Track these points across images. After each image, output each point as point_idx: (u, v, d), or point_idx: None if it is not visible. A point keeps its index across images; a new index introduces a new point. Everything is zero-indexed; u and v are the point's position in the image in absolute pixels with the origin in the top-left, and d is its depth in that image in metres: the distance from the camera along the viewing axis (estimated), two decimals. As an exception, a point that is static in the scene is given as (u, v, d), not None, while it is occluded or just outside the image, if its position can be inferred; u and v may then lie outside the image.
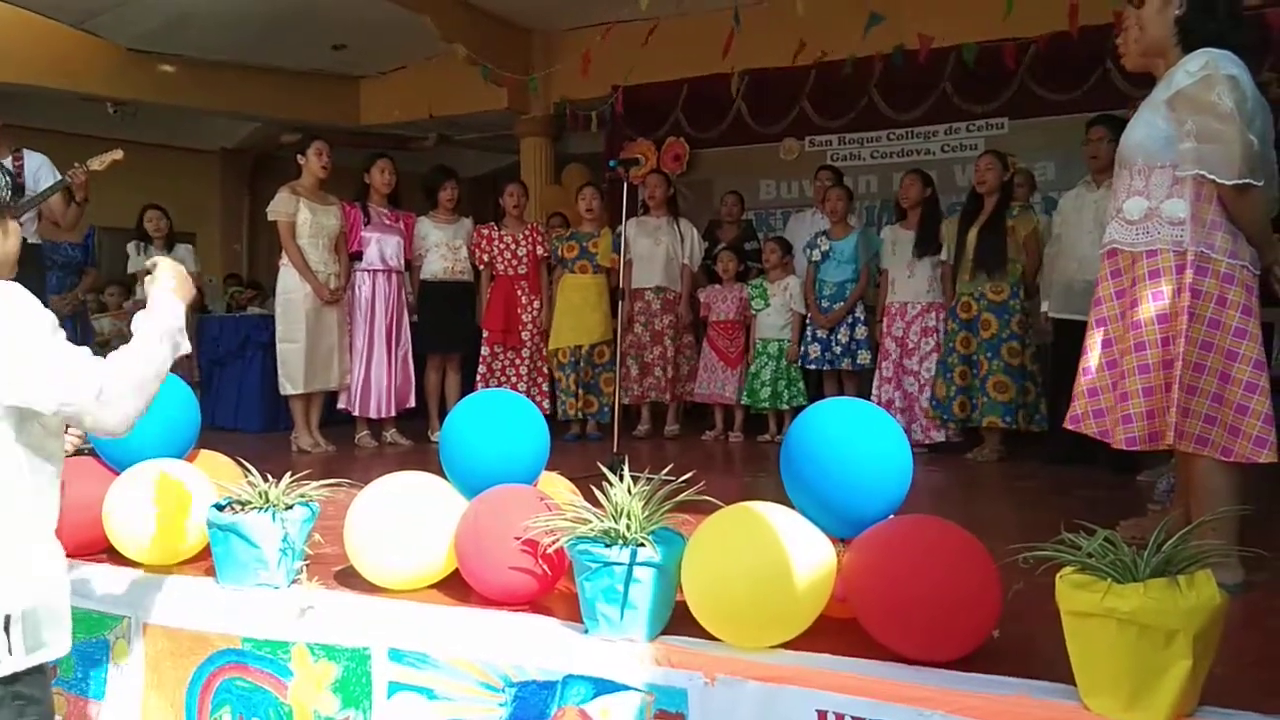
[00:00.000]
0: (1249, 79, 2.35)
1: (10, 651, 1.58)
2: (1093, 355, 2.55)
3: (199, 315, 7.08)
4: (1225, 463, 2.35)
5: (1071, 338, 4.12)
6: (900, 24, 6.14)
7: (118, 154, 4.38)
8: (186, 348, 1.78)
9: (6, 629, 1.57)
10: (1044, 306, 4.70)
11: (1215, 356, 2.34)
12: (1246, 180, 2.30)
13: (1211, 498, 2.37)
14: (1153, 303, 2.40)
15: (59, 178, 4.43)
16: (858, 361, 5.45)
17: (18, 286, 1.62)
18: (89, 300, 6.43)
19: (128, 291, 7.38)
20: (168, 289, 1.81)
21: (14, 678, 1.58)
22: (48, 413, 1.60)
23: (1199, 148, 2.35)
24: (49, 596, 1.69)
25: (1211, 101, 2.31)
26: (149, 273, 1.83)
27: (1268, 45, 5.14)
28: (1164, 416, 2.38)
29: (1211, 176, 2.33)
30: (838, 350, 5.48)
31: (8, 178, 1.73)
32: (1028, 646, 1.88)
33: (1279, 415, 2.31)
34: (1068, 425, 2.62)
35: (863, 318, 5.51)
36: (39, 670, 1.64)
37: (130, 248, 6.21)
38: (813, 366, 5.56)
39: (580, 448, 5.38)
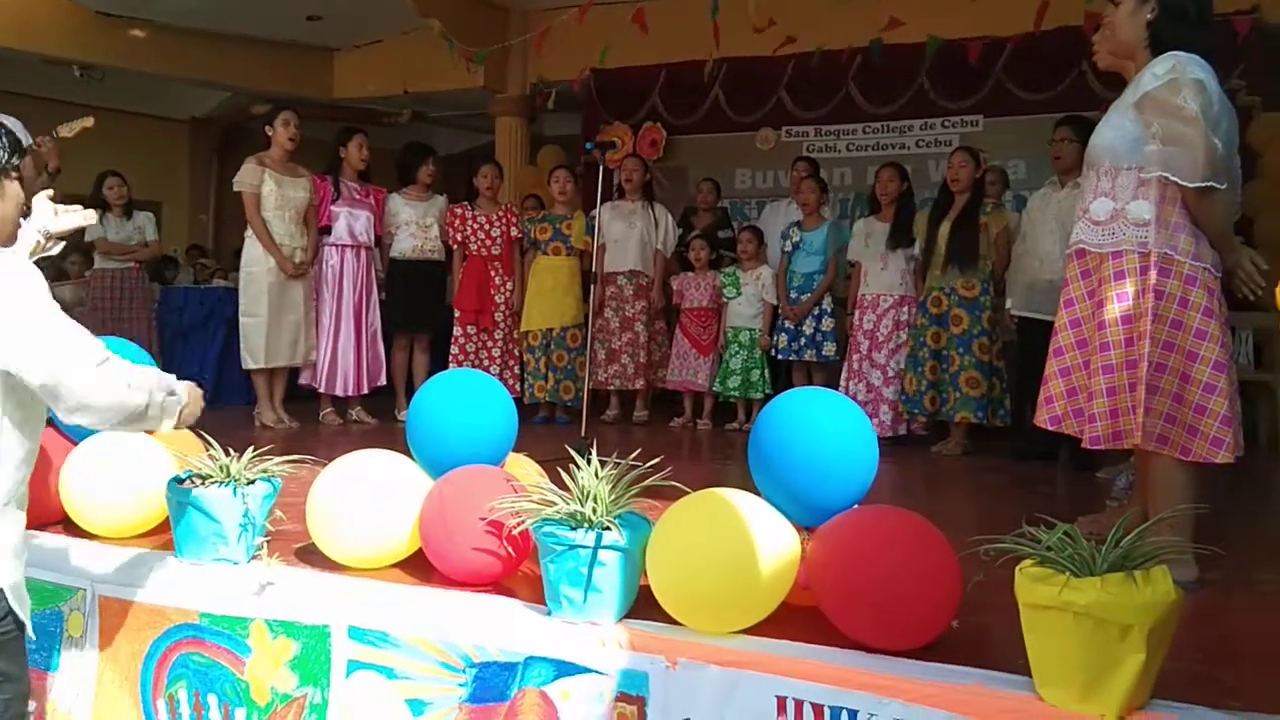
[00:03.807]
0: (1216, 83, 2.38)
1: None
2: (1068, 356, 2.58)
3: (162, 286, 6.98)
4: (1184, 462, 2.39)
5: (1033, 335, 4.18)
6: (878, 16, 6.15)
7: (88, 121, 4.26)
8: (160, 427, 1.83)
9: None
10: (1009, 304, 4.75)
11: (1176, 357, 2.38)
12: (1209, 183, 2.33)
13: (1169, 496, 2.41)
14: (1118, 303, 2.43)
15: (30, 142, 4.32)
16: (822, 353, 5.47)
17: (20, 256, 1.64)
18: (47, 268, 6.31)
19: (88, 260, 7.25)
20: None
21: None
22: (38, 383, 1.60)
23: (1164, 150, 2.38)
24: (21, 569, 1.69)
25: (1177, 105, 2.34)
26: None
27: (1235, 51, 5.22)
28: (1127, 416, 2.41)
29: (1175, 179, 2.36)
30: (803, 341, 5.51)
31: (5, 139, 1.72)
32: (986, 637, 1.90)
33: (1245, 416, 2.35)
34: (1047, 425, 2.63)
35: (830, 310, 5.53)
36: (17, 644, 1.63)
37: None
38: (781, 356, 5.59)
39: (548, 431, 5.37)
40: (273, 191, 5.07)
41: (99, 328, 5.55)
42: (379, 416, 5.49)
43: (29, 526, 2.60)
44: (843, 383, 5.25)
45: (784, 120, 7.18)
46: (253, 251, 5.11)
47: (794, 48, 6.54)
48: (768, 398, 5.23)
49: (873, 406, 5.11)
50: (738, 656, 1.82)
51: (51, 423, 2.75)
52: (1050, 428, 2.63)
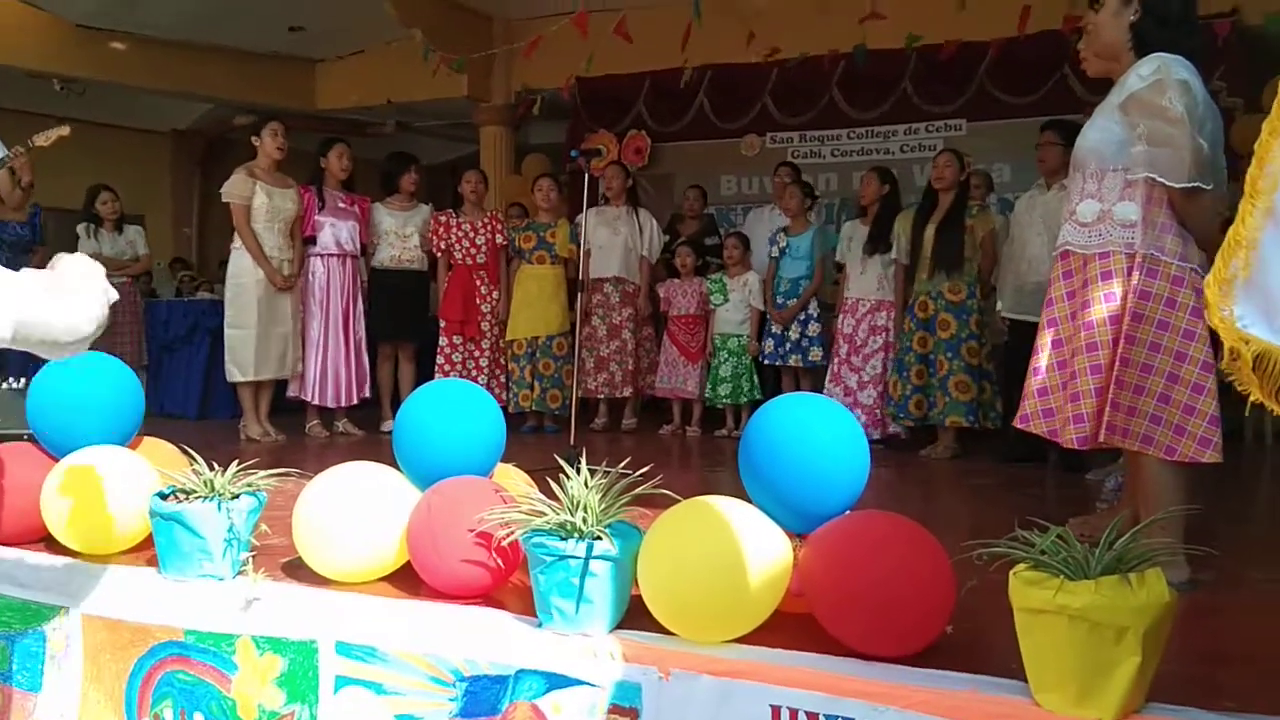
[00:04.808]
0: (1200, 84, 2.39)
1: None
2: (1043, 355, 2.58)
3: (147, 299, 6.93)
4: (1172, 462, 2.39)
5: (1023, 337, 4.19)
6: (860, 15, 6.15)
7: (64, 130, 4.24)
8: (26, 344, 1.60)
9: None
10: (999, 306, 4.76)
11: (1163, 357, 2.38)
12: (1196, 184, 2.33)
13: (1159, 497, 2.40)
14: (1104, 304, 2.43)
15: (5, 154, 4.29)
16: (808, 358, 5.47)
17: None
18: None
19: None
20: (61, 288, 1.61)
21: None
22: None
23: (1150, 151, 2.38)
24: None
25: (1162, 105, 2.35)
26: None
27: (1216, 53, 5.26)
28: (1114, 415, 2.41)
29: (1161, 179, 2.36)
30: (789, 346, 5.50)
31: None
32: (981, 642, 1.89)
33: (1231, 415, 2.36)
34: (1017, 424, 2.64)
35: (816, 314, 5.53)
36: None
37: (80, 229, 6.04)
38: (767, 361, 5.58)
39: (537, 440, 5.35)
40: (264, 203, 5.03)
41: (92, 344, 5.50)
42: (365, 428, 5.45)
43: (10, 544, 2.58)
44: (826, 387, 5.26)
45: (769, 126, 7.21)
46: (241, 263, 5.07)
47: (778, 53, 6.56)
48: (757, 404, 5.23)
49: (850, 411, 5.10)
50: (731, 666, 1.80)
51: (34, 439, 2.73)
52: (1019, 426, 2.64)
